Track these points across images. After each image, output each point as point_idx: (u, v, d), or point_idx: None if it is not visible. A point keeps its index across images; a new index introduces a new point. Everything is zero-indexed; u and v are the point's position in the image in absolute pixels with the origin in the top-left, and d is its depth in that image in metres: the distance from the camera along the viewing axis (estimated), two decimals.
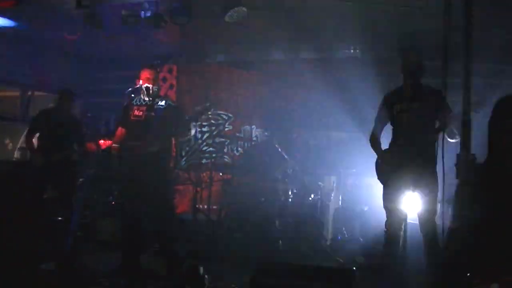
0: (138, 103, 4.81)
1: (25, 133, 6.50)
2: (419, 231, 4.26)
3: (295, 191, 6.46)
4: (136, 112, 4.75)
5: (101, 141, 6.41)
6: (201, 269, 4.39)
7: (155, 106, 4.75)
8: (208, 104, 6.41)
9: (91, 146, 6.21)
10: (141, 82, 4.75)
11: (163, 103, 4.80)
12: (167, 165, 4.86)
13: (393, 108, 4.50)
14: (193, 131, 8.58)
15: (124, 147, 4.74)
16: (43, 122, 6.31)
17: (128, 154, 4.66)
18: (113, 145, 4.85)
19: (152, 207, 4.72)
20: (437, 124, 4.27)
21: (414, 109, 4.37)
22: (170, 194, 4.79)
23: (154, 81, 4.80)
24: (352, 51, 7.85)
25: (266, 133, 8.27)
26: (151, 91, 4.74)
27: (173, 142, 6.75)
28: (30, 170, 6.16)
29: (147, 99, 4.77)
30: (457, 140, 3.81)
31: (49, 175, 6.09)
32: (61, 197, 6.24)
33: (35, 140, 6.41)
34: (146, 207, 4.77)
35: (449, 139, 3.94)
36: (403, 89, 4.53)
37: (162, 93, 5.14)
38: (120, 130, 4.88)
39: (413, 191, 4.28)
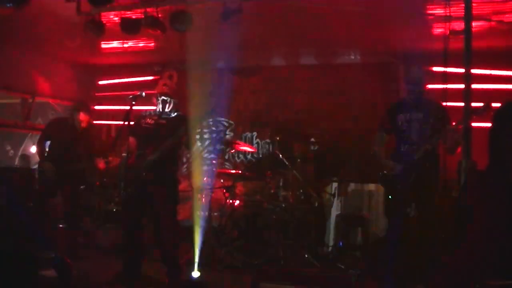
0: (152, 113, 4.88)
1: (37, 139, 6.44)
2: None
3: (296, 197, 6.44)
4: (148, 120, 4.82)
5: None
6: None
7: (163, 116, 4.82)
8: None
9: (100, 163, 6.08)
10: (157, 93, 4.83)
11: (172, 113, 4.86)
12: (172, 173, 4.84)
13: (396, 118, 4.55)
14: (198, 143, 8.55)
15: (134, 156, 4.71)
16: (56, 130, 6.26)
17: (136, 162, 4.64)
18: (123, 154, 4.82)
19: (154, 214, 4.71)
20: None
21: (418, 119, 4.42)
22: (172, 202, 4.76)
23: (172, 95, 4.88)
24: (352, 57, 7.86)
25: (267, 140, 8.26)
26: (169, 106, 4.83)
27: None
28: (39, 178, 6.14)
29: (159, 109, 4.83)
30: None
31: (57, 183, 6.05)
32: (65, 205, 6.21)
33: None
34: (148, 214, 4.77)
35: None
36: (406, 99, 4.58)
37: None
38: (132, 140, 4.79)
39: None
